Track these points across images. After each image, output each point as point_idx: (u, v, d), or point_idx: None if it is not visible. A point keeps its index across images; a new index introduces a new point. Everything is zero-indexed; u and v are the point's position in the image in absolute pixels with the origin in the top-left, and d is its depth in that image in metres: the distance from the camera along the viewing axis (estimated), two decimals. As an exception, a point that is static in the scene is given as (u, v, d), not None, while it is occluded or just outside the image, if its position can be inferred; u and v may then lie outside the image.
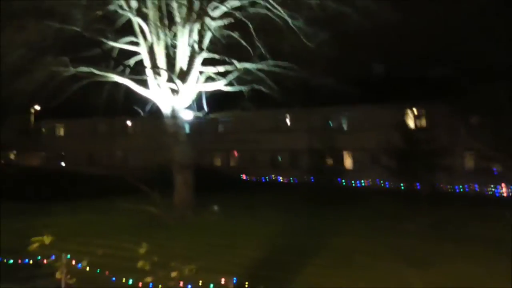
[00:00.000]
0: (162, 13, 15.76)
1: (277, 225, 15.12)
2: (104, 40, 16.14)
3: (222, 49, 17.26)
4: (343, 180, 26.04)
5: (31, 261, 8.00)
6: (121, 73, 16.79)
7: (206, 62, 17.19)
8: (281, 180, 32.63)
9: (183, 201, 16.65)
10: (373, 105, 28.38)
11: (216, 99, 19.39)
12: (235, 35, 17.22)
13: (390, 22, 14.61)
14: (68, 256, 7.77)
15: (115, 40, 16.71)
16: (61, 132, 42.29)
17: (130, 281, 7.45)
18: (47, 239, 4.22)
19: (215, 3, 15.75)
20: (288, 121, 34.43)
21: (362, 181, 29.53)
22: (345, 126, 32.24)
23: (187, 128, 17.20)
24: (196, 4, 15.49)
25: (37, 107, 41.31)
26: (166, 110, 16.47)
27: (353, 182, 29.11)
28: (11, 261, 8.39)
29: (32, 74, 14.47)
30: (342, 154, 28.86)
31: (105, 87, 17.81)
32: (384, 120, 25.40)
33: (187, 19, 15.60)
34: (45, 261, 7.20)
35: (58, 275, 6.39)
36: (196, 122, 23.25)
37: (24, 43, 14.14)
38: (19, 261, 8.17)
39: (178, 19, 15.63)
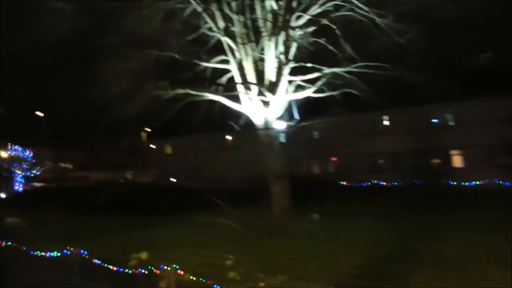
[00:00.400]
0: (248, 29, 16.28)
1: (379, 232, 14.51)
2: (197, 62, 17.13)
3: (309, 56, 17.25)
4: (452, 181, 24.09)
5: (146, 271, 8.73)
6: (215, 91, 17.62)
7: (294, 71, 17.30)
8: (383, 184, 31.27)
9: (282, 210, 16.82)
10: (482, 98, 25.93)
11: (308, 107, 19.36)
12: (322, 40, 17.11)
13: (490, 8, 13.30)
14: (175, 266, 8.39)
15: (208, 61, 17.65)
16: (169, 150, 45.66)
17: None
18: (143, 256, 4.59)
19: (298, 13, 15.83)
20: (386, 122, 33.01)
21: (476, 181, 26.98)
22: (451, 123, 29.89)
23: (281, 138, 17.37)
24: (280, 16, 15.73)
25: (147, 129, 45.31)
26: (258, 122, 16.89)
27: (464, 182, 26.75)
28: (128, 271, 9.20)
29: (136, 100, 15.90)
30: (449, 153, 26.79)
31: (202, 105, 18.83)
32: (497, 114, 23.04)
33: (272, 33, 15.90)
34: (156, 271, 7.78)
35: (162, 284, 6.90)
36: (291, 131, 23.43)
37: (128, 72, 15.64)
38: (135, 271, 8.92)
39: (264, 33, 16.02)
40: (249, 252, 13.11)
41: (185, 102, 17.05)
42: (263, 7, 16.36)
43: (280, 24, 15.72)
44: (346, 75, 17.05)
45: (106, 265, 9.15)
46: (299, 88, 17.64)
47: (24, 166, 39.61)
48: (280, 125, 17.34)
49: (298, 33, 16.67)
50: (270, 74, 16.45)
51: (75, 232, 16.77)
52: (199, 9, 16.44)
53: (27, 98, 34.24)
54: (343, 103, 18.24)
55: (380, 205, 21.92)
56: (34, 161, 41.13)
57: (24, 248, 10.83)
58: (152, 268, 8.15)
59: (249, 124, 17.96)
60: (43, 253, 10.47)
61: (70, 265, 9.45)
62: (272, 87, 16.24)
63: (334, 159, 35.72)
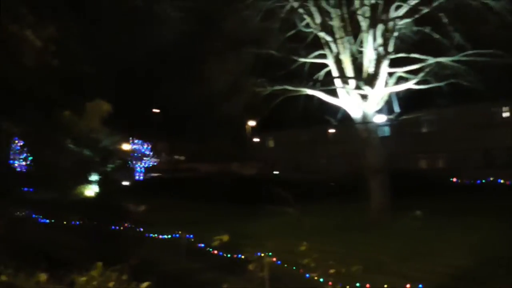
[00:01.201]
0: (345, 23, 16.14)
1: (490, 233, 13.41)
2: (295, 58, 17.48)
3: (412, 46, 16.50)
4: None
5: (243, 256, 9.45)
6: (313, 86, 17.80)
7: (395, 62, 16.72)
8: (501, 182, 28.41)
9: (380, 206, 16.49)
10: None
11: (413, 98, 18.53)
12: (427, 29, 16.25)
13: None
14: (269, 253, 8.94)
15: (306, 56, 17.90)
16: (271, 143, 46.93)
17: (321, 279, 8.06)
18: (225, 238, 5.14)
19: (397, 3, 15.24)
20: (505, 114, 29.95)
21: None
22: None
23: (379, 132, 16.95)
24: (378, 8, 15.33)
25: (251, 123, 47.04)
26: (356, 116, 16.71)
27: None
28: (229, 255, 10.03)
29: (237, 96, 16.84)
30: None
31: (300, 100, 19.16)
32: None
33: (370, 25, 15.58)
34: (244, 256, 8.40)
35: (251, 267, 7.43)
36: (396, 124, 22.61)
37: (228, 71, 16.67)
38: (234, 256, 9.71)
39: (362, 26, 15.77)
40: (344, 246, 13.23)
41: (283, 97, 17.51)
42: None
43: (378, 16, 15.31)
44: (455, 64, 15.99)
45: (209, 249, 10.03)
46: (401, 80, 17.01)
47: (143, 158, 44.19)
48: (379, 119, 16.95)
49: (398, 23, 16.06)
50: (368, 67, 16.14)
51: (184, 218, 18.41)
52: (296, 5, 16.73)
53: (144, 96, 38.08)
54: (451, 94, 17.13)
55: (495, 205, 20.06)
56: (151, 153, 45.63)
57: (141, 230, 12.32)
58: (243, 255, 8.79)
59: (347, 118, 17.85)
60: (156, 235, 11.76)
61: (178, 247, 10.57)
62: (371, 80, 15.92)
63: (441, 154, 33.40)
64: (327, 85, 17.30)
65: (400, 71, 16.43)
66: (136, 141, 44.91)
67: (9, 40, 5.69)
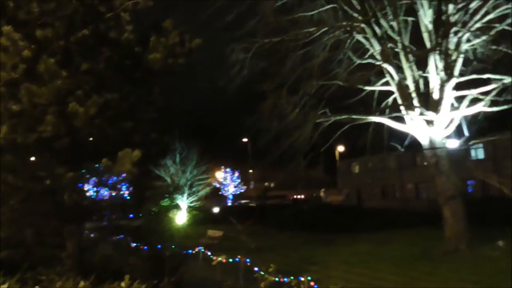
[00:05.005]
0: (406, 50, 16.20)
1: None
2: (361, 87, 17.86)
3: (482, 67, 15.97)
4: None
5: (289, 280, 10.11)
6: (380, 113, 17.90)
7: (465, 84, 16.23)
8: None
9: (455, 234, 15.83)
10: None
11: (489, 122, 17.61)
12: (502, 47, 15.66)
13: None
14: (309, 278, 9.54)
15: (374, 84, 18.15)
16: (356, 169, 46.24)
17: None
18: (222, 258, 5.96)
19: (455, 28, 14.98)
20: None
21: None
22: None
23: (449, 157, 16.34)
24: (439, 32, 15.25)
25: (340, 149, 46.96)
26: (424, 141, 16.45)
27: None
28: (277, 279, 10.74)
29: (304, 127, 17.61)
30: None
31: (370, 127, 19.27)
32: None
33: (431, 50, 15.51)
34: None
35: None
36: (471, 149, 21.40)
37: (296, 103, 17.62)
38: (281, 279, 10.39)
39: (421, 53, 15.75)
40: (407, 275, 13.05)
41: (349, 125, 17.86)
42: (424, 26, 16.13)
43: (439, 41, 15.20)
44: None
45: (262, 273, 10.86)
46: (473, 102, 16.40)
47: (232, 185, 46.61)
48: (450, 144, 16.44)
49: (464, 46, 15.72)
50: (432, 92, 15.94)
51: (260, 244, 19.39)
52: (360, 36, 17.23)
53: (234, 128, 40.67)
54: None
55: None
56: (240, 181, 47.90)
57: (209, 254, 13.60)
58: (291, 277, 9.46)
59: (416, 144, 17.58)
60: (223, 259, 12.88)
61: (237, 270, 11.61)
62: (435, 106, 15.68)
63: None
64: (394, 111, 17.31)
65: (469, 93, 15.89)
66: (227, 169, 47.56)
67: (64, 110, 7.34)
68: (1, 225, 7.61)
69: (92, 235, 11.02)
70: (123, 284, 5.09)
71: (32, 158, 8.98)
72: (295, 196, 49.10)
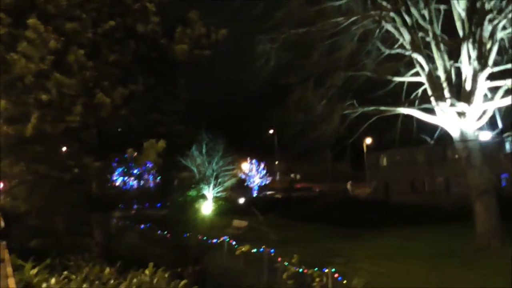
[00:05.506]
0: (436, 40, 15.70)
1: None
2: (390, 78, 17.46)
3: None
4: None
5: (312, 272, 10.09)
6: (409, 105, 17.48)
7: (501, 75, 15.61)
8: None
9: (487, 231, 15.35)
10: None
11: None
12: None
13: None
14: (333, 269, 9.49)
15: (403, 75, 17.73)
16: (384, 161, 45.35)
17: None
18: (246, 248, 5.99)
19: (490, 15, 14.37)
20: None
21: None
22: None
23: (481, 150, 15.80)
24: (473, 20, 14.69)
25: (368, 141, 46.23)
26: (455, 134, 15.96)
27: None
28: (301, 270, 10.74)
29: (331, 120, 17.42)
30: None
31: (399, 119, 18.87)
32: None
33: (463, 40, 14.98)
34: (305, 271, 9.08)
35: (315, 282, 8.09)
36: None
37: (323, 95, 17.43)
38: (305, 270, 10.38)
39: (454, 42, 15.23)
40: (436, 270, 12.76)
41: (377, 117, 17.53)
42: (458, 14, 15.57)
43: (473, 29, 14.65)
44: None
45: (286, 263, 10.90)
46: (507, 92, 15.76)
47: (258, 176, 46.74)
48: (483, 136, 15.90)
49: (500, 34, 15.09)
50: (465, 83, 15.41)
51: (285, 236, 19.42)
52: (389, 26, 16.81)
53: (259, 120, 40.67)
54: None
55: None
56: (266, 172, 47.95)
57: (234, 244, 13.69)
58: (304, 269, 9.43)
59: (447, 136, 17.09)
60: (246, 249, 12.95)
61: (261, 260, 11.67)
62: (467, 97, 15.15)
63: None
64: (424, 103, 16.87)
65: (503, 84, 15.28)
66: (253, 161, 47.66)
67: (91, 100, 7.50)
68: (32, 214, 7.88)
69: (120, 223, 11.28)
70: (147, 271, 5.19)
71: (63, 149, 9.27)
72: (321, 189, 48.74)
